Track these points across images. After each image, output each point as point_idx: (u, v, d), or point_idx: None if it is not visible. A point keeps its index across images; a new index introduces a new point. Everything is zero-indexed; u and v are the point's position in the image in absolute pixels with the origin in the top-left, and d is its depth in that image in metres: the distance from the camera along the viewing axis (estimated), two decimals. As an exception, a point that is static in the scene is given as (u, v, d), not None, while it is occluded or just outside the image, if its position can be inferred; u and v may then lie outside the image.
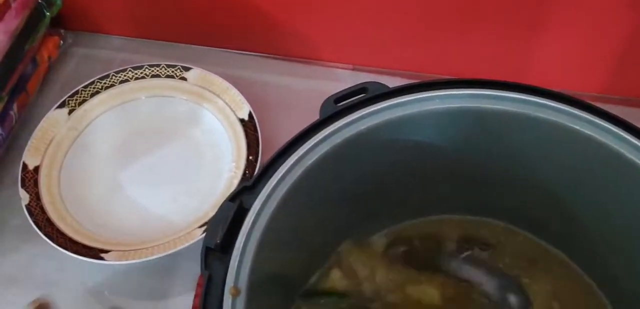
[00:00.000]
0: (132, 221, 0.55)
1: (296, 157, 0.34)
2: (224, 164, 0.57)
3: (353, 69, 0.66)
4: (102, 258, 0.50)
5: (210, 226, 0.33)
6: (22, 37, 0.60)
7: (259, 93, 0.61)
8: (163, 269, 0.53)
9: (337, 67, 0.66)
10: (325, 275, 0.40)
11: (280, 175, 0.33)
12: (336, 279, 0.39)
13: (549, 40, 0.58)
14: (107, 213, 0.56)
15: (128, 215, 0.56)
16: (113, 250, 0.51)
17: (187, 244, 0.51)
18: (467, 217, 0.42)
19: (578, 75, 0.59)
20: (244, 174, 0.55)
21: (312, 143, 0.34)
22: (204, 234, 0.50)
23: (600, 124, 0.34)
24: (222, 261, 0.32)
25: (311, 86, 0.65)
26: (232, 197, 0.33)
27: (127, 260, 0.50)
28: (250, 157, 0.56)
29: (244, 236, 0.32)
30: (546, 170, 0.37)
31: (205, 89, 0.61)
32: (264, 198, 0.33)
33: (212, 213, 0.53)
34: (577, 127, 0.34)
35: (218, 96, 0.60)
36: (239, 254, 0.31)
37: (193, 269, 0.53)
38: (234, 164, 0.56)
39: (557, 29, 0.57)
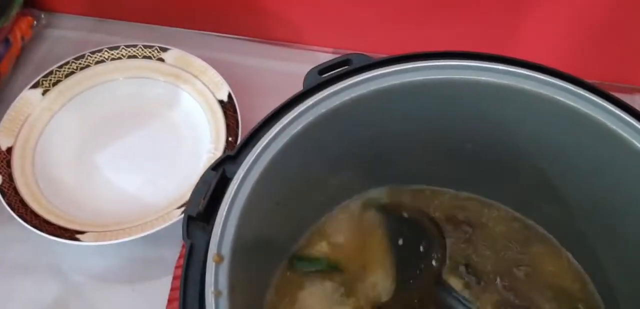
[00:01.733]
0: (109, 204, 0.54)
1: (280, 127, 0.34)
2: (202, 146, 0.56)
3: (333, 53, 0.65)
4: (77, 239, 0.49)
5: (192, 195, 0.32)
6: (-6, 16, 0.59)
7: (239, 76, 0.61)
8: (140, 252, 0.52)
9: (318, 50, 0.66)
10: (309, 242, 0.39)
11: (263, 144, 0.33)
12: (320, 246, 0.39)
13: (531, 20, 0.58)
14: (83, 195, 0.54)
15: (105, 197, 0.55)
16: (89, 231, 0.50)
17: (165, 225, 0.50)
18: (449, 191, 0.42)
19: (556, 57, 0.60)
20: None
21: (296, 113, 0.34)
22: (182, 215, 0.50)
23: (583, 95, 0.35)
24: (204, 230, 0.32)
25: (291, 68, 0.64)
26: (215, 166, 0.33)
27: (103, 241, 0.49)
28: (230, 139, 0.55)
29: (227, 205, 0.31)
30: (530, 142, 0.37)
31: (183, 70, 0.60)
32: (247, 167, 0.32)
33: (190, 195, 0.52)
34: (562, 99, 0.34)
35: (196, 77, 0.59)
36: (222, 222, 0.31)
37: (171, 253, 0.52)
38: (212, 145, 0.56)
39: (540, 9, 0.57)
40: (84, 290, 0.51)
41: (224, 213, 0.31)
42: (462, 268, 0.41)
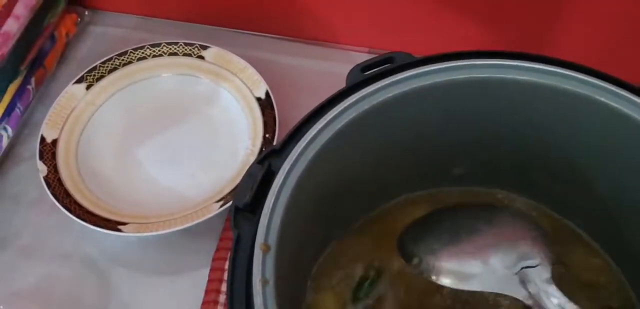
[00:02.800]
0: (149, 196, 0.55)
1: (324, 123, 0.34)
2: (240, 142, 0.58)
3: (368, 52, 0.66)
4: (119, 230, 0.51)
5: (239, 187, 0.33)
6: (41, 13, 0.61)
7: (275, 74, 0.62)
8: (178, 245, 0.53)
9: (353, 50, 0.66)
10: (349, 236, 0.40)
11: (308, 139, 0.34)
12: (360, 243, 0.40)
13: (572, 19, 0.58)
14: (124, 188, 0.56)
15: (145, 190, 0.56)
16: (130, 223, 0.52)
17: (204, 219, 0.51)
18: (486, 190, 0.43)
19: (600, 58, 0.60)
20: (261, 151, 0.55)
21: (339, 109, 0.35)
22: (220, 209, 0.51)
23: (623, 95, 0.35)
24: (250, 221, 0.33)
25: (327, 67, 0.65)
26: (261, 160, 0.34)
27: (145, 232, 0.51)
28: (267, 135, 0.56)
29: (273, 196, 0.32)
30: (568, 141, 0.38)
31: (222, 68, 0.61)
32: (292, 160, 0.33)
33: (228, 189, 0.53)
34: (603, 100, 0.35)
35: (235, 74, 0.61)
36: (269, 213, 0.32)
37: (207, 245, 0.53)
38: (250, 142, 0.57)
39: (581, 10, 0.57)
40: (123, 280, 0.52)
41: (271, 204, 0.32)
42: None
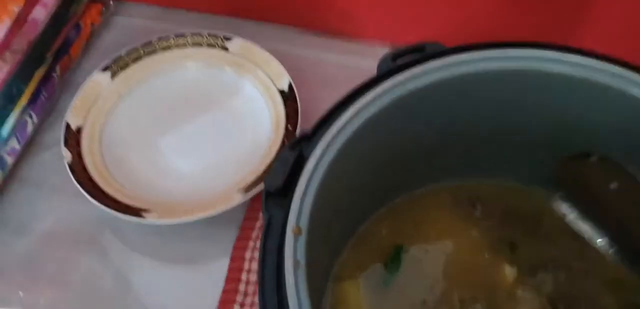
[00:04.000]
0: (171, 185, 0.56)
1: (355, 110, 0.35)
2: (262, 133, 0.58)
3: (391, 46, 0.66)
4: (142, 217, 0.51)
5: (271, 171, 0.33)
6: (67, 2, 0.61)
7: (298, 66, 0.62)
8: (199, 234, 0.54)
9: (375, 44, 0.66)
10: (377, 221, 0.40)
11: (340, 125, 0.34)
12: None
13: (599, 11, 0.57)
14: (147, 176, 0.56)
15: (168, 179, 0.56)
16: (153, 210, 0.52)
17: (226, 207, 0.51)
18: (517, 185, 0.43)
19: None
20: (283, 142, 0.55)
21: (371, 97, 0.35)
22: (242, 199, 0.52)
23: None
24: (280, 206, 0.33)
25: (350, 62, 0.65)
26: (292, 146, 0.34)
27: (167, 220, 0.51)
28: (289, 127, 0.56)
29: (305, 181, 0.32)
30: (600, 135, 0.37)
31: (246, 59, 0.62)
32: (324, 146, 0.33)
33: (250, 179, 0.53)
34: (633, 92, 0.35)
35: (259, 66, 0.61)
36: (301, 197, 0.32)
37: (228, 235, 0.53)
38: (272, 133, 0.57)
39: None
40: (145, 267, 0.53)
41: (303, 189, 0.32)
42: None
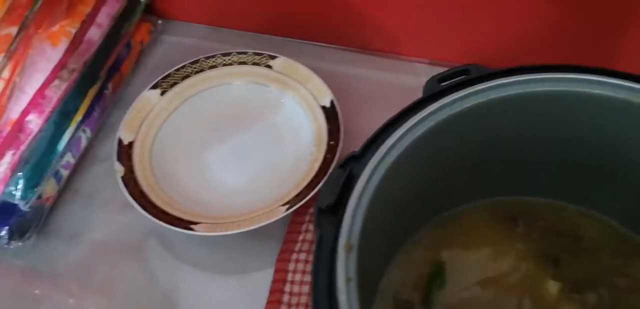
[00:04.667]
0: (218, 198, 0.58)
1: (403, 130, 0.36)
2: (305, 149, 0.59)
3: (429, 63, 0.67)
4: (192, 229, 0.53)
5: (322, 189, 0.35)
6: (120, 22, 0.64)
7: (340, 84, 0.63)
8: (243, 246, 0.55)
9: (415, 61, 0.68)
10: (423, 239, 0.41)
11: (388, 145, 0.35)
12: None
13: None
14: (195, 190, 0.58)
15: (214, 192, 0.58)
16: (201, 222, 0.54)
17: (271, 220, 0.53)
18: (560, 203, 0.43)
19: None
20: (325, 158, 0.57)
21: (419, 118, 0.36)
22: (287, 212, 0.53)
23: None
24: (331, 223, 0.34)
25: (389, 79, 0.66)
26: (342, 165, 0.35)
27: (215, 232, 0.53)
28: (331, 143, 0.58)
29: (356, 198, 0.34)
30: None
31: (289, 77, 0.63)
32: (373, 166, 0.35)
33: (293, 194, 0.55)
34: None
35: (301, 83, 0.63)
36: (352, 214, 0.33)
37: (271, 247, 0.55)
38: (315, 148, 0.58)
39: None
40: (191, 278, 0.54)
41: (354, 206, 0.33)
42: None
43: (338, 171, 0.35)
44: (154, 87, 0.63)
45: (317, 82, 0.62)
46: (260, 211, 0.55)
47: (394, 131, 0.36)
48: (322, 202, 0.34)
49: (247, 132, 0.62)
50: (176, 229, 0.53)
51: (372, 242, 0.36)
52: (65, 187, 0.60)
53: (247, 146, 0.61)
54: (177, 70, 0.64)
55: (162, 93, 0.63)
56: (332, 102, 0.60)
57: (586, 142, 0.39)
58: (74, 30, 0.58)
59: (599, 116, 0.37)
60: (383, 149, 0.35)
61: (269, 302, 0.52)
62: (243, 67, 0.64)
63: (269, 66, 0.64)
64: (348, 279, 0.31)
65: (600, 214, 0.44)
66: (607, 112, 0.37)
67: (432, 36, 0.66)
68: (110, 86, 0.64)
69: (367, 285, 0.38)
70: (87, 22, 0.59)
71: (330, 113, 0.60)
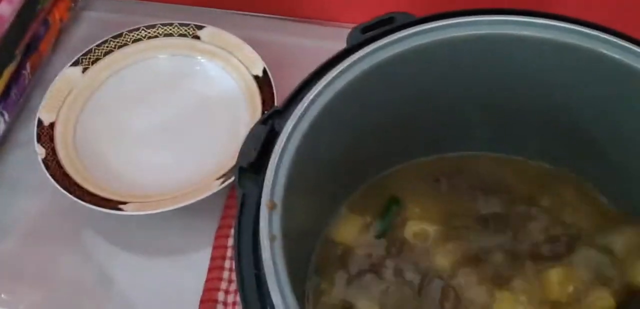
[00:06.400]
0: (149, 176, 0.55)
1: (325, 82, 0.35)
2: (239, 119, 0.58)
3: (365, 29, 0.66)
4: (120, 209, 0.51)
5: (243, 147, 0.33)
6: (34, -3, 0.61)
7: (271, 53, 0.61)
8: (180, 225, 0.53)
9: (346, 27, 0.66)
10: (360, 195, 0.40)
11: (310, 98, 0.34)
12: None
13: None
14: (123, 169, 0.56)
15: (145, 170, 0.56)
16: (131, 202, 0.51)
17: (205, 195, 0.51)
18: (494, 154, 0.43)
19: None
20: (260, 126, 0.55)
21: (340, 69, 0.35)
22: (221, 186, 0.51)
23: (630, 49, 0.35)
24: (255, 182, 0.33)
25: (322, 45, 0.64)
26: (264, 120, 0.34)
27: (145, 210, 0.51)
28: (266, 112, 0.56)
29: (278, 155, 0.32)
30: (572, 97, 0.38)
31: (218, 47, 0.61)
32: (295, 120, 0.33)
33: (228, 166, 0.53)
34: (604, 51, 0.35)
35: (232, 53, 0.61)
36: (273, 171, 0.32)
37: (209, 224, 0.53)
38: (249, 119, 0.57)
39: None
40: (125, 261, 0.52)
41: (275, 163, 0.32)
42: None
43: (259, 127, 0.33)
44: (75, 64, 0.60)
45: (247, 52, 0.60)
46: (193, 186, 0.53)
47: (316, 83, 0.35)
48: (243, 160, 0.32)
49: (176, 107, 0.60)
50: (105, 211, 0.51)
51: (301, 200, 0.34)
52: (-14, 176, 0.57)
53: (177, 121, 0.59)
54: (99, 45, 0.61)
55: (84, 70, 0.60)
56: (264, 71, 0.59)
57: (514, 87, 0.39)
58: (-18, 7, 0.54)
59: (527, 58, 0.37)
60: (305, 102, 0.34)
61: (208, 279, 0.51)
62: (169, 39, 0.62)
63: (197, 37, 0.62)
64: (272, 238, 0.30)
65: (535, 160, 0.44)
66: (534, 54, 0.36)
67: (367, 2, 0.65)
68: (28, 66, 0.61)
69: (301, 246, 0.36)
70: (-4, -3, 0.56)
71: (263, 82, 0.58)
